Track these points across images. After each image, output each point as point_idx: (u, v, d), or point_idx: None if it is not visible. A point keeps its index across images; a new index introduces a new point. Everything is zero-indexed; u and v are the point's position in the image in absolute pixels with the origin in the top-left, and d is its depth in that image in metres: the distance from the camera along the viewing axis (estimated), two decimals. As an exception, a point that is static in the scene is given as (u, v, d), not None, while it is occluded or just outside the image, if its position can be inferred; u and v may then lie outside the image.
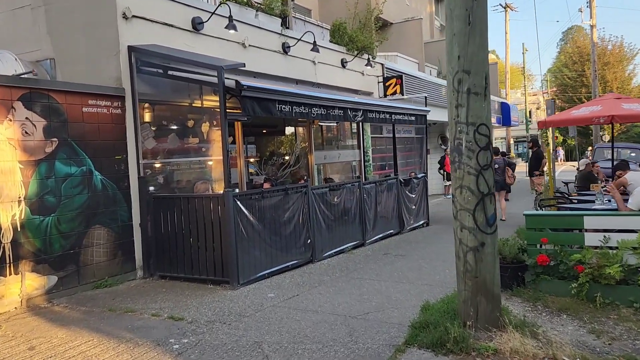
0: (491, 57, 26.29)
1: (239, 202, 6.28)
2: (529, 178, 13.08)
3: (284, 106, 6.98)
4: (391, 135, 12.26)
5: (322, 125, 12.44)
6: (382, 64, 13.99)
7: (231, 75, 6.90)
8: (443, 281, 6.41)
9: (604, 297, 5.27)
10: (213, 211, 6.31)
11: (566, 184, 12.52)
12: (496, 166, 12.55)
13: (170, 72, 7.45)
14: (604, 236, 5.60)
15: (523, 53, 35.99)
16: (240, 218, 6.31)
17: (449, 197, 18.74)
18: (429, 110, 12.11)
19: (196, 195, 6.75)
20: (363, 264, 7.58)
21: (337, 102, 8.29)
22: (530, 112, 42.32)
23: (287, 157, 11.09)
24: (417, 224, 11.25)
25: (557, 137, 55.35)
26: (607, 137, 34.69)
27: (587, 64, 47.03)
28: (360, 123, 13.06)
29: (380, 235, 9.71)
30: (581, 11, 28.84)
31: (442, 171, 18.76)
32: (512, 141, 36.17)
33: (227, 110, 8.36)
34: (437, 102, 16.97)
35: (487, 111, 4.34)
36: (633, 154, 20.08)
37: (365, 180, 12.67)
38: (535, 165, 12.89)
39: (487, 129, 4.32)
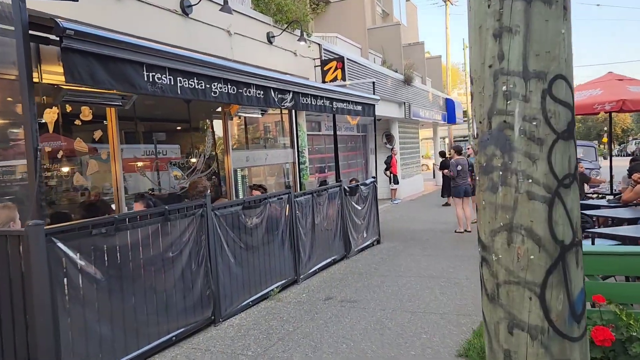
0: (433, 52, 24.43)
1: (62, 245, 3.43)
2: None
3: (158, 75, 4.21)
4: (331, 132, 9.73)
5: (245, 118, 9.70)
6: (319, 45, 11.44)
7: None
8: (424, 362, 3.89)
9: None
10: (12, 262, 3.42)
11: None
12: (459, 168, 10.35)
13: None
14: (696, 289, 3.31)
15: (464, 49, 34.80)
16: (67, 272, 3.47)
17: (396, 202, 16.52)
18: (379, 99, 9.70)
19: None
20: (294, 323, 4.93)
21: (254, 77, 5.61)
22: (465, 111, 41.55)
23: (193, 160, 8.24)
24: (366, 243, 8.78)
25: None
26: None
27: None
28: (294, 115, 10.46)
29: (320, 265, 7.12)
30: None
31: (388, 172, 16.51)
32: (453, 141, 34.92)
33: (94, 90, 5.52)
34: (382, 94, 14.64)
35: (567, 47, 1.82)
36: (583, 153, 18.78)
37: (300, 187, 10.11)
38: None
39: (568, 88, 1.81)
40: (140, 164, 7.12)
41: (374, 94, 9.87)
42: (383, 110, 15.22)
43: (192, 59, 4.67)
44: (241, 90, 5.35)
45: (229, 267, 5.17)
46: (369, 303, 5.50)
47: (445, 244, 8.93)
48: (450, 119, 24.56)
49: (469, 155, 11.20)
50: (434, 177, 26.19)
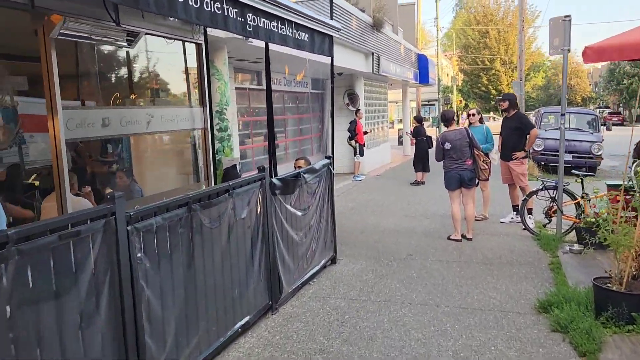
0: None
1: None
2: (500, 162, 7.51)
3: None
4: (277, 87, 5.84)
5: (96, 49, 5.66)
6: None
7: None
8: None
9: None
10: None
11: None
12: (448, 146, 6.69)
13: None
14: None
15: (436, 1, 30.75)
16: None
17: (359, 178, 12.94)
18: (339, 28, 5.88)
19: None
20: None
21: None
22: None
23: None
24: (313, 271, 5.14)
25: (460, 100, 52.69)
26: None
27: (491, 25, 44.22)
28: (203, 51, 6.40)
29: (207, 354, 3.42)
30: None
31: (353, 142, 12.81)
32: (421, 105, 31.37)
33: None
34: (345, 40, 10.75)
35: None
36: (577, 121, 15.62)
37: (214, 171, 6.29)
38: (518, 140, 7.29)
39: None
40: None
41: (331, 19, 6.03)
42: (346, 60, 11.41)
43: None
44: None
45: None
46: None
47: (441, 269, 5.40)
48: (423, 78, 20.96)
49: (470, 124, 7.59)
50: (399, 143, 22.80)
